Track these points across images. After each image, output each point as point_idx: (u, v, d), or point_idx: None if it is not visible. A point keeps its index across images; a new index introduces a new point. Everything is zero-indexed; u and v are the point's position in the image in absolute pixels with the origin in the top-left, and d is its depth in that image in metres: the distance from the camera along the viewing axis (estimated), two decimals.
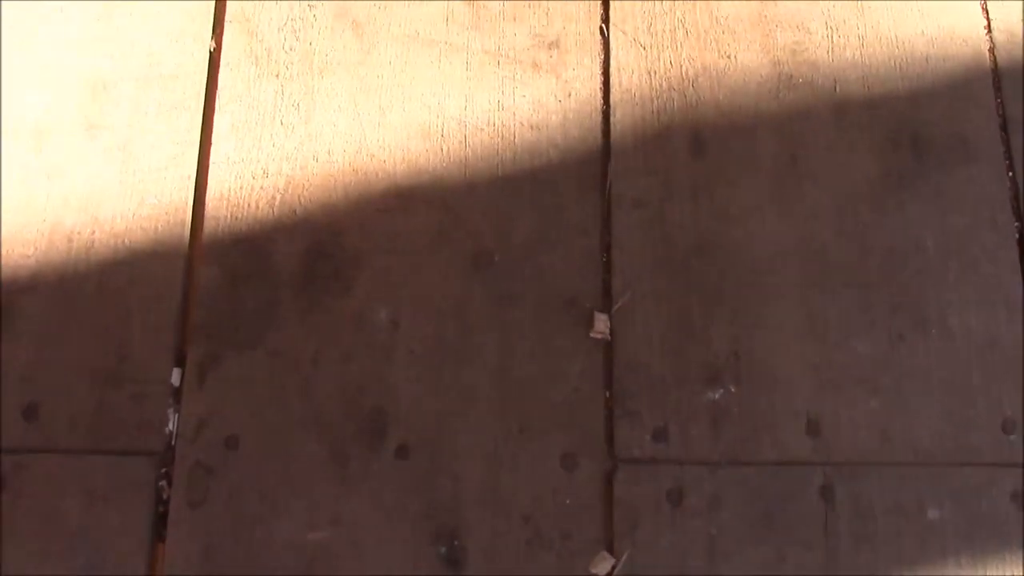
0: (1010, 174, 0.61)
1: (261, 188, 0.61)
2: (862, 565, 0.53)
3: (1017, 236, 0.60)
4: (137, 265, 0.59)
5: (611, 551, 0.54)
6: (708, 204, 0.60)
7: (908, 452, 0.55)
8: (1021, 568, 0.53)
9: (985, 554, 0.54)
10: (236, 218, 0.60)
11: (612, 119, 0.62)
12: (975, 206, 0.60)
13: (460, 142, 0.61)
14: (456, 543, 0.54)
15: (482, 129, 0.61)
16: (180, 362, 0.58)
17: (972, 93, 0.62)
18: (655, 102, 0.62)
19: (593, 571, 0.53)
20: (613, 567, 0.53)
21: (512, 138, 0.61)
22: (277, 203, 0.61)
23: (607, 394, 0.57)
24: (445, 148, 0.61)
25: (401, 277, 0.59)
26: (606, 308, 0.58)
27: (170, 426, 0.56)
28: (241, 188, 0.61)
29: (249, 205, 0.60)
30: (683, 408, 0.56)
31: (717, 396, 0.56)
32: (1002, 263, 0.59)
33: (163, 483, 0.56)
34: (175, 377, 0.57)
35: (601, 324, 0.57)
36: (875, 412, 0.56)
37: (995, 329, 0.57)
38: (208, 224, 0.60)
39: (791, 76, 0.62)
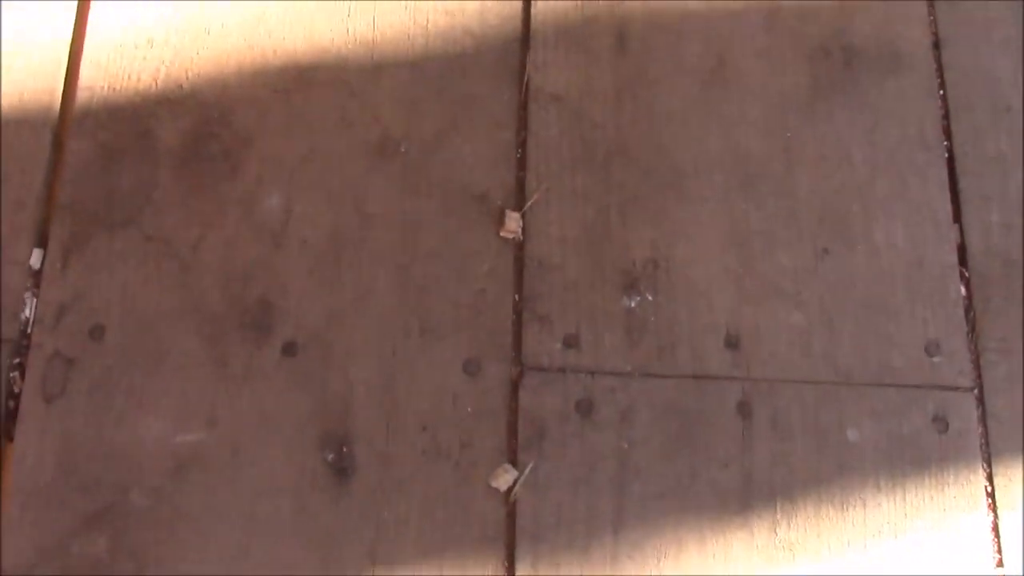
0: (941, 92, 0.59)
1: (144, 58, 0.55)
2: (778, 484, 0.51)
3: (947, 155, 0.57)
4: None
5: (514, 464, 0.50)
6: (631, 104, 0.57)
7: (829, 370, 0.53)
8: (937, 491, 0.51)
9: (904, 476, 0.51)
10: (114, 89, 0.54)
11: (533, 8, 0.58)
12: (904, 121, 0.58)
13: (368, 23, 0.57)
14: (345, 450, 0.49)
15: (393, 11, 0.57)
16: (42, 243, 0.52)
17: (907, 6, 0.60)
18: None
19: (493, 485, 0.49)
20: (515, 481, 0.49)
21: (425, 22, 0.57)
22: (161, 76, 0.55)
23: (516, 297, 0.53)
24: (351, 28, 0.57)
25: (296, 162, 0.54)
26: (518, 206, 0.54)
27: (26, 312, 0.51)
28: (122, 57, 0.55)
29: (129, 76, 0.55)
30: (597, 315, 0.53)
31: (633, 304, 0.53)
32: (931, 181, 0.57)
33: (14, 375, 0.50)
34: (35, 258, 0.52)
35: (512, 223, 0.53)
36: (797, 327, 0.53)
37: (922, 248, 0.55)
38: (81, 95, 0.54)
39: None
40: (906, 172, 0.57)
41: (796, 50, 0.59)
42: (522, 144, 0.56)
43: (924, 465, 0.52)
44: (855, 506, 0.51)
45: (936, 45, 0.61)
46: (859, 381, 0.53)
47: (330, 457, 0.49)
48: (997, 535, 0.51)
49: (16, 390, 0.49)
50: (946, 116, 0.59)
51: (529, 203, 0.54)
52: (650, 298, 0.54)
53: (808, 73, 0.59)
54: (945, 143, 0.58)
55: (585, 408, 0.52)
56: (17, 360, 0.50)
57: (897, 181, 0.57)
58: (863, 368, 0.54)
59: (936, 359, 0.54)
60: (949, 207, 0.57)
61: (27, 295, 0.50)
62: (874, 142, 0.58)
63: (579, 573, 0.49)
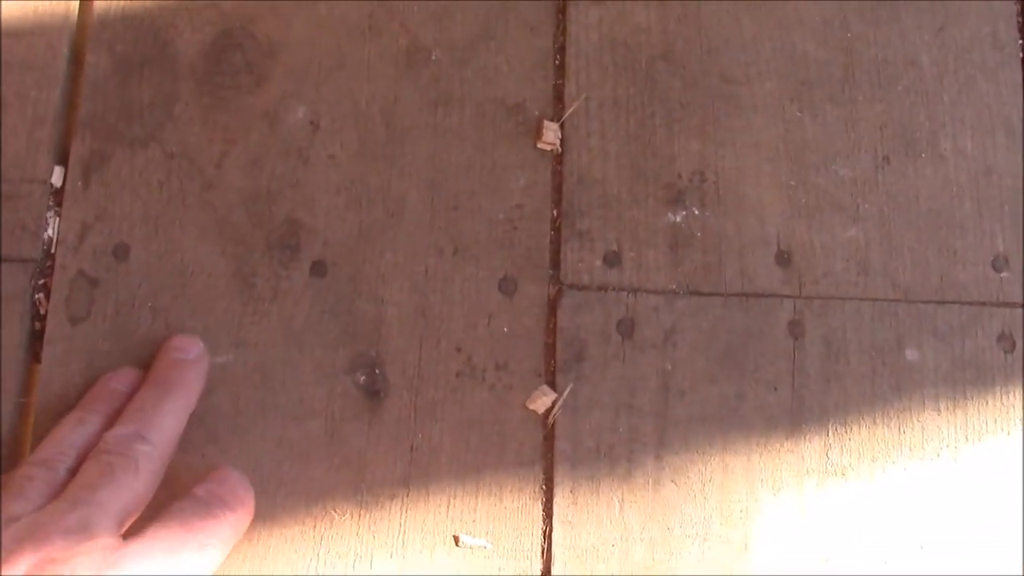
0: None
1: None
2: (831, 407, 0.49)
3: (1021, 55, 0.54)
4: (13, 48, 0.52)
5: (552, 386, 0.49)
6: (678, 5, 0.54)
7: (888, 287, 0.51)
8: (1001, 413, 0.49)
9: (966, 399, 0.50)
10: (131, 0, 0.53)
11: None
12: (976, 21, 0.55)
13: None
14: (377, 371, 0.49)
15: None
16: (62, 160, 0.51)
17: None
18: None
19: (531, 407, 0.48)
20: (554, 403, 0.48)
21: None
22: None
23: (554, 213, 0.51)
24: None
25: (323, 73, 0.53)
26: (557, 117, 0.52)
27: (49, 231, 0.50)
28: None
29: None
30: (639, 231, 0.51)
31: (678, 219, 0.51)
32: (1003, 84, 0.54)
33: (40, 296, 0.50)
34: (56, 176, 0.51)
35: (550, 134, 0.51)
36: (854, 242, 0.51)
37: (991, 156, 0.52)
38: (98, 4, 0.53)
39: None
40: (976, 75, 0.55)
41: None
42: (560, 51, 0.54)
43: (988, 386, 0.50)
44: (912, 429, 0.50)
45: None
46: (919, 298, 0.51)
47: (361, 379, 0.49)
48: None
49: (42, 311, 0.49)
50: (1021, 12, 0.56)
51: (568, 113, 0.52)
52: (696, 212, 0.52)
53: None
54: (1020, 42, 0.55)
55: (626, 328, 0.50)
56: (41, 281, 0.49)
57: (966, 85, 0.54)
58: (924, 284, 0.52)
59: (1004, 275, 0.52)
60: (1022, 111, 0.54)
61: (49, 214, 0.50)
62: (942, 43, 0.55)
63: (620, 498, 0.48)
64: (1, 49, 0.52)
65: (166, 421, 0.42)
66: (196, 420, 0.48)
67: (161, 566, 0.38)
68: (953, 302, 0.51)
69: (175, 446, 0.43)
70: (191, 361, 0.45)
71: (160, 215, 0.51)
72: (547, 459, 0.49)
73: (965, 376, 0.51)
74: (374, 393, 0.49)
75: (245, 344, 0.50)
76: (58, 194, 0.51)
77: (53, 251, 0.51)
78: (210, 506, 0.41)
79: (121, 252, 0.51)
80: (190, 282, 0.50)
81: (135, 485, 0.39)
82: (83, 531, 0.36)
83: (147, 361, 0.49)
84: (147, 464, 0.40)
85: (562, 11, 0.55)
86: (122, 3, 0.54)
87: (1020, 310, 0.51)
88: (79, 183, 0.51)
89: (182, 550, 0.38)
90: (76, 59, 0.53)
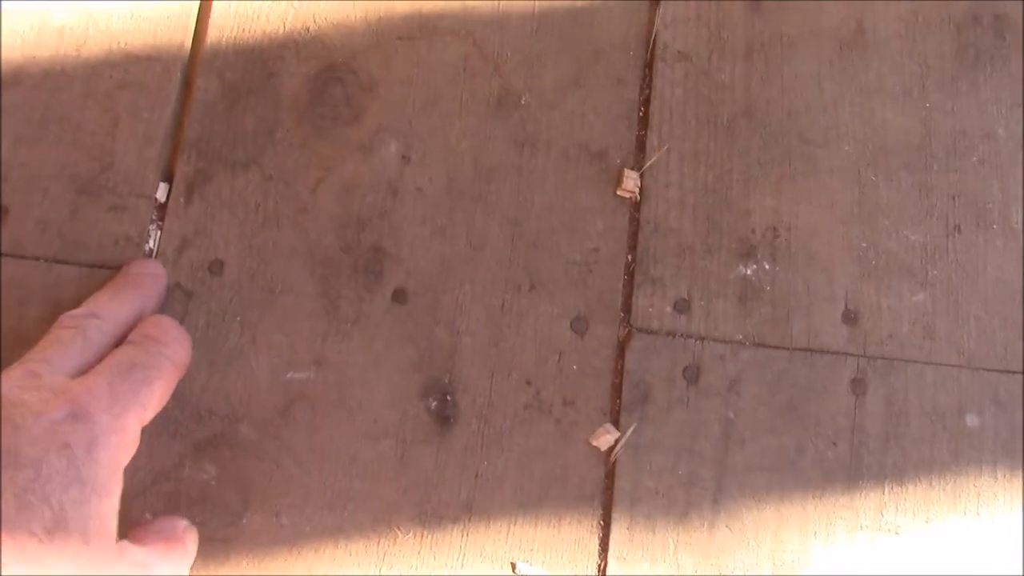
0: None
1: (275, 3, 0.57)
2: (889, 467, 0.50)
3: None
4: (130, 70, 0.55)
5: (616, 425, 0.51)
6: (761, 66, 0.56)
7: (952, 352, 0.52)
8: None
9: None
10: (243, 30, 0.57)
11: None
12: None
13: None
14: (448, 398, 0.51)
15: None
16: (168, 177, 0.55)
17: None
18: None
19: (594, 444, 0.50)
20: (617, 441, 0.50)
21: None
22: (290, 18, 0.57)
23: (629, 258, 0.54)
24: None
25: (417, 110, 0.55)
26: (637, 166, 0.55)
27: (151, 243, 0.53)
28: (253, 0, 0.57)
29: (259, 17, 0.57)
30: (711, 281, 0.53)
31: (749, 272, 0.53)
32: None
33: None
34: (161, 192, 0.54)
35: (630, 182, 0.53)
36: (920, 306, 0.53)
37: None
38: (212, 34, 0.57)
39: None
40: None
41: (943, 16, 0.58)
42: (645, 103, 0.56)
43: None
44: (968, 494, 0.51)
45: None
46: (983, 366, 0.53)
47: (433, 405, 0.51)
48: None
49: None
50: None
51: (649, 163, 0.54)
52: (767, 267, 0.54)
53: (954, 42, 0.57)
54: None
55: (692, 374, 0.52)
56: None
57: None
58: (988, 353, 0.53)
59: None
60: None
61: (151, 227, 0.53)
62: (1019, 118, 0.56)
63: (675, 538, 0.50)
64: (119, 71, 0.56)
65: (118, 308, 0.45)
66: (274, 431, 0.51)
67: (107, 398, 0.40)
68: (1016, 372, 0.52)
69: (124, 333, 0.45)
70: (148, 274, 0.49)
71: (255, 234, 0.54)
72: (607, 495, 0.51)
73: None
74: (444, 419, 0.52)
75: (326, 362, 0.52)
76: (161, 209, 0.55)
77: None
78: (144, 346, 0.44)
79: (216, 267, 0.54)
80: (278, 299, 0.53)
81: (84, 352, 0.42)
82: (31, 377, 0.39)
83: (231, 373, 0.52)
84: (95, 335, 0.43)
85: (649, 65, 0.57)
86: (234, 34, 0.57)
87: None
88: (181, 200, 0.55)
89: (124, 383, 0.41)
90: (187, 84, 0.57)
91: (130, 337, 0.44)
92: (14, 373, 0.39)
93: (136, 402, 0.43)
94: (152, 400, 0.45)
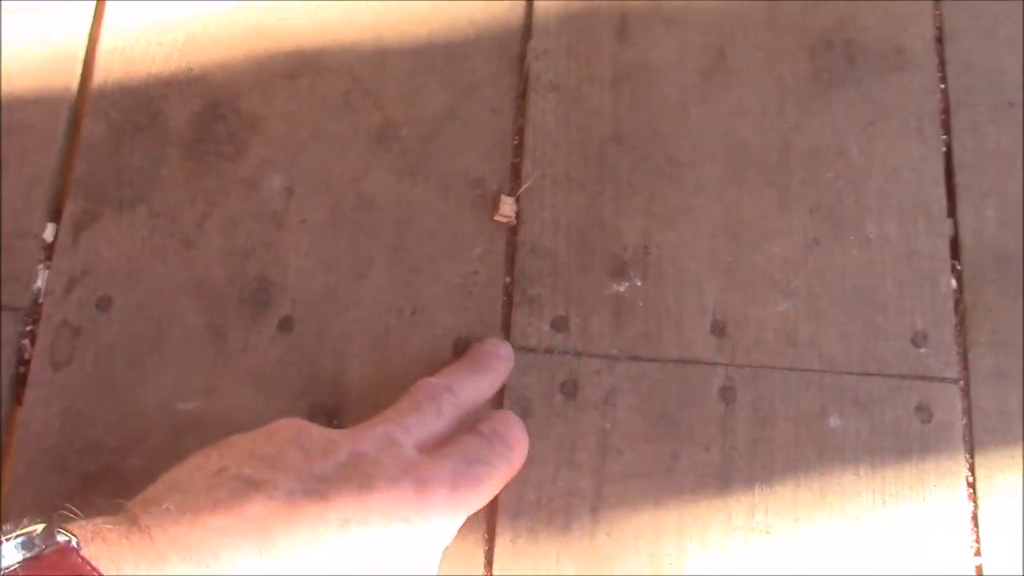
0: (942, 86, 0.61)
1: (158, 43, 0.59)
2: (758, 469, 0.53)
3: (944, 149, 0.59)
4: (18, 112, 0.57)
5: None
6: (629, 93, 0.59)
7: (814, 358, 0.55)
8: (917, 480, 0.53)
9: (884, 465, 0.53)
10: (128, 71, 0.58)
11: None
12: (903, 115, 0.60)
13: (375, 11, 0.60)
14: (336, 422, 0.53)
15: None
16: (55, 217, 0.56)
17: (911, 2, 0.61)
18: None
19: None
20: None
21: (429, 10, 0.60)
22: (174, 59, 0.59)
23: (507, 279, 0.56)
24: (358, 17, 0.60)
25: (300, 145, 0.57)
26: (513, 191, 0.57)
27: (39, 283, 0.55)
28: (136, 41, 0.59)
29: (144, 59, 0.59)
30: (586, 298, 0.55)
31: (622, 289, 0.55)
32: (926, 175, 0.59)
33: (25, 342, 0.54)
34: (48, 232, 0.56)
35: (507, 207, 0.56)
36: (784, 315, 0.56)
37: (914, 241, 0.57)
38: (98, 75, 0.58)
39: None
40: (902, 166, 0.59)
41: (798, 43, 0.61)
42: (519, 131, 0.59)
43: (905, 454, 0.54)
44: (834, 492, 0.54)
45: (939, 39, 0.62)
46: (844, 370, 0.55)
47: None
48: (976, 525, 0.53)
49: (27, 357, 0.53)
50: (946, 111, 0.61)
51: (523, 188, 0.57)
52: (639, 283, 0.56)
53: (809, 66, 0.61)
54: (943, 137, 0.60)
55: (570, 389, 0.54)
56: (28, 328, 0.54)
57: (892, 175, 0.59)
58: (848, 357, 0.56)
59: (923, 350, 0.56)
60: (944, 201, 0.59)
61: (39, 267, 0.54)
62: (871, 135, 0.60)
63: (557, 549, 0.52)
64: (2, 113, 0.57)
65: (471, 388, 0.48)
66: (163, 462, 0.52)
67: (449, 485, 0.42)
68: (875, 374, 0.55)
69: (471, 414, 0.48)
70: (501, 357, 0.52)
71: (142, 270, 0.56)
72: (490, 509, 0.52)
73: (884, 444, 0.54)
74: None
75: (214, 391, 0.54)
76: (49, 248, 0.56)
77: (41, 301, 0.55)
78: (492, 442, 0.46)
79: (104, 304, 0.55)
80: (167, 333, 0.55)
81: (436, 423, 0.45)
82: (387, 439, 0.42)
83: (120, 406, 0.53)
84: (449, 410, 0.46)
85: (522, 95, 0.60)
86: (119, 75, 0.59)
87: (937, 384, 0.55)
88: (69, 239, 0.56)
89: (467, 474, 0.43)
90: (74, 125, 0.58)
91: (480, 427, 0.46)
92: (377, 431, 0.43)
93: (470, 496, 0.46)
94: (480, 499, 0.45)
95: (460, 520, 0.46)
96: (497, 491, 0.49)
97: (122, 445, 0.53)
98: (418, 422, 0.44)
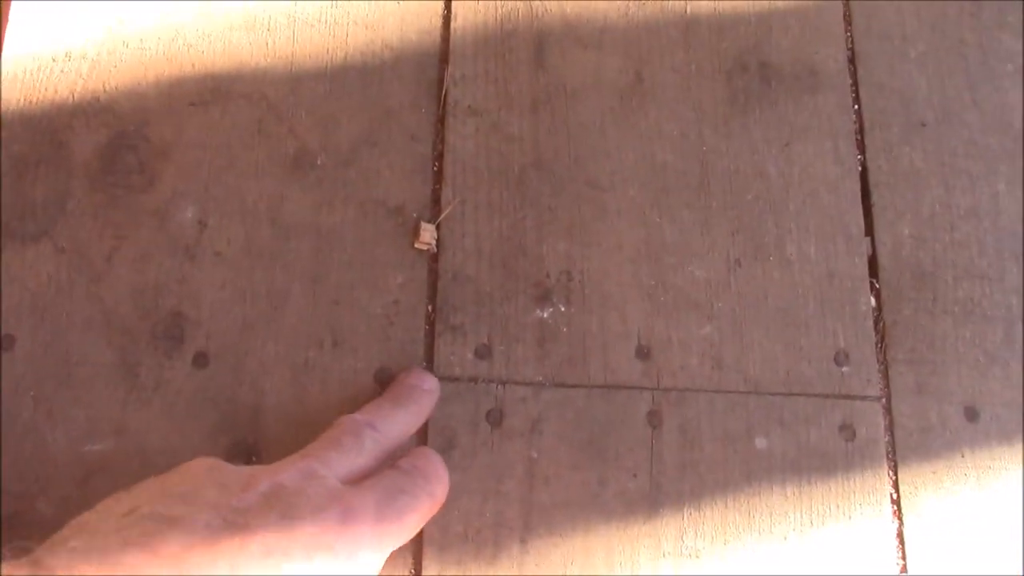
0: (856, 107, 0.61)
1: (62, 71, 0.57)
2: (686, 493, 0.53)
3: (860, 169, 0.60)
4: None
5: None
6: (548, 117, 0.59)
7: (739, 380, 0.55)
8: (843, 498, 0.53)
9: (811, 484, 0.53)
10: (30, 101, 0.56)
11: (453, 24, 0.60)
12: (819, 137, 0.60)
13: (288, 37, 0.59)
14: (254, 459, 0.51)
15: (312, 25, 0.59)
16: None
17: (823, 23, 0.63)
18: (499, 9, 0.60)
19: None
20: None
21: (344, 36, 0.59)
22: (79, 89, 0.57)
23: (429, 308, 0.55)
24: (271, 42, 0.59)
25: (212, 175, 0.56)
26: (433, 219, 0.56)
27: None
28: (39, 69, 0.57)
29: (47, 89, 0.56)
30: (510, 325, 0.55)
31: (546, 315, 0.55)
32: (843, 195, 0.59)
33: None
34: None
35: (427, 234, 0.55)
36: (708, 338, 0.55)
37: (833, 261, 0.57)
38: None
39: None
40: (819, 186, 0.60)
41: (714, 65, 0.61)
42: (439, 157, 0.58)
43: (831, 473, 0.54)
44: (762, 513, 0.53)
45: (852, 60, 0.63)
46: (768, 391, 0.55)
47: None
48: (902, 541, 0.53)
49: None
50: (860, 131, 0.61)
51: (444, 215, 0.56)
52: (563, 309, 0.56)
53: (725, 88, 0.61)
54: (859, 157, 0.61)
55: (495, 418, 0.53)
56: None
57: (810, 195, 0.60)
58: (772, 378, 0.56)
59: (845, 369, 0.56)
60: (861, 221, 0.60)
61: None
62: (789, 157, 0.60)
63: None
64: None
65: (395, 425, 0.48)
66: (73, 506, 0.50)
67: (374, 516, 0.42)
68: (799, 394, 0.56)
69: (395, 450, 0.48)
70: (425, 390, 0.51)
71: (48, 307, 0.53)
72: (416, 543, 0.51)
73: (810, 463, 0.55)
74: None
75: (126, 431, 0.52)
76: None
77: None
78: (412, 476, 0.45)
79: (7, 343, 0.53)
80: (75, 371, 0.53)
81: (358, 459, 0.44)
82: (310, 473, 0.42)
83: (26, 450, 0.51)
84: (371, 446, 0.45)
85: (441, 120, 0.59)
86: (20, 105, 0.56)
87: (859, 402, 0.55)
88: None
89: (391, 505, 0.43)
90: None
91: (400, 463, 0.46)
92: (298, 465, 0.42)
93: (394, 528, 0.44)
94: (403, 533, 0.44)
95: (385, 554, 0.45)
96: (421, 525, 0.47)
97: (29, 491, 0.50)
98: (339, 458, 0.43)
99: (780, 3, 0.63)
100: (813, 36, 0.63)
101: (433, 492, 0.48)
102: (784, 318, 0.57)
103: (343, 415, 0.49)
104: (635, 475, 0.53)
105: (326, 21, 0.60)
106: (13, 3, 0.58)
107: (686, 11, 0.62)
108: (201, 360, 0.53)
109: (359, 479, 0.46)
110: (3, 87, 0.57)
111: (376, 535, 0.42)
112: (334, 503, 0.40)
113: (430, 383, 0.51)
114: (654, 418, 0.54)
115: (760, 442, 0.54)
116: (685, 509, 0.53)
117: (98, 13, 0.59)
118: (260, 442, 0.52)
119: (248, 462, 0.52)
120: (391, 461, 0.48)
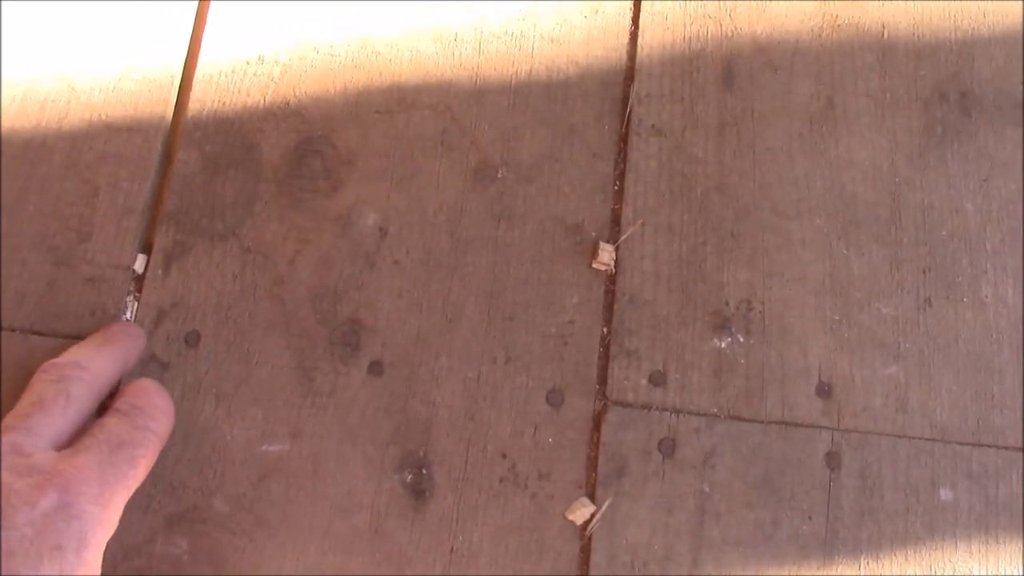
0: None
1: (255, 75, 0.58)
2: (864, 540, 0.50)
3: None
4: (111, 142, 0.56)
5: (592, 498, 0.51)
6: (734, 140, 0.57)
7: (925, 426, 0.52)
8: None
9: (998, 542, 0.50)
10: (223, 103, 0.57)
11: (640, 40, 0.58)
12: (1020, 173, 0.56)
13: (474, 48, 0.58)
14: (424, 472, 0.51)
15: (499, 37, 0.58)
16: (146, 248, 0.55)
17: None
18: (688, 27, 0.59)
19: (570, 518, 0.50)
20: (592, 516, 0.50)
21: (530, 50, 0.58)
22: (270, 92, 0.57)
23: (604, 330, 0.54)
24: (457, 53, 0.58)
25: (395, 183, 0.56)
26: (613, 239, 0.55)
27: (128, 315, 0.53)
28: (233, 72, 0.58)
29: (239, 91, 0.57)
30: (686, 353, 0.53)
31: (724, 345, 0.53)
32: None
33: None
34: (139, 263, 0.54)
35: (605, 255, 0.54)
36: (893, 379, 0.53)
37: None
38: (193, 107, 0.57)
39: (836, 16, 0.59)
40: (1019, 225, 0.56)
41: (910, 93, 0.59)
42: (620, 176, 0.56)
43: (1020, 532, 0.51)
44: (943, 568, 0.51)
45: None
46: (955, 439, 0.52)
47: (408, 478, 0.51)
48: None
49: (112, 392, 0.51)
50: None
51: (624, 236, 0.55)
52: (741, 340, 0.54)
53: (922, 118, 0.58)
54: None
55: (668, 447, 0.52)
56: None
57: (1008, 234, 0.56)
58: (961, 426, 0.53)
59: None
60: None
61: (128, 299, 0.53)
62: (988, 193, 0.57)
63: None
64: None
65: (103, 362, 0.45)
66: (247, 504, 0.50)
67: (97, 483, 0.39)
68: (989, 445, 0.52)
69: (107, 389, 0.45)
70: (129, 333, 0.49)
71: (232, 306, 0.54)
72: (582, 571, 0.50)
73: (998, 520, 0.51)
74: (420, 492, 0.51)
75: (301, 434, 0.52)
76: (139, 280, 0.55)
77: None
78: (133, 418, 0.43)
79: (192, 339, 0.53)
80: (254, 371, 0.53)
81: (67, 411, 0.41)
82: (18, 455, 0.38)
83: (205, 445, 0.52)
84: (79, 390, 0.42)
85: (624, 139, 0.58)
86: (215, 107, 0.57)
87: None
88: (159, 271, 0.54)
89: (114, 463, 0.41)
90: (168, 156, 0.57)
91: (117, 404, 0.43)
92: None
93: (123, 484, 0.43)
94: (137, 479, 0.44)
95: (119, 510, 0.43)
96: (149, 468, 0.44)
97: (206, 486, 0.51)
98: (43, 420, 0.40)
99: (984, 29, 0.60)
100: (1019, 66, 0.59)
101: (158, 430, 0.44)
102: (976, 363, 0.54)
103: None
104: (810, 517, 0.51)
105: (512, 34, 0.59)
106: (211, 6, 0.59)
107: (883, 35, 0.59)
108: (376, 369, 0.53)
109: (73, 435, 0.41)
110: (199, 88, 0.58)
111: (103, 503, 0.39)
112: (48, 488, 0.36)
113: (134, 329, 0.50)
114: (833, 460, 0.52)
115: (945, 493, 0.51)
116: (862, 559, 0.51)
117: (290, 18, 0.59)
118: (430, 455, 0.52)
119: (418, 475, 0.51)
120: (107, 403, 0.46)
